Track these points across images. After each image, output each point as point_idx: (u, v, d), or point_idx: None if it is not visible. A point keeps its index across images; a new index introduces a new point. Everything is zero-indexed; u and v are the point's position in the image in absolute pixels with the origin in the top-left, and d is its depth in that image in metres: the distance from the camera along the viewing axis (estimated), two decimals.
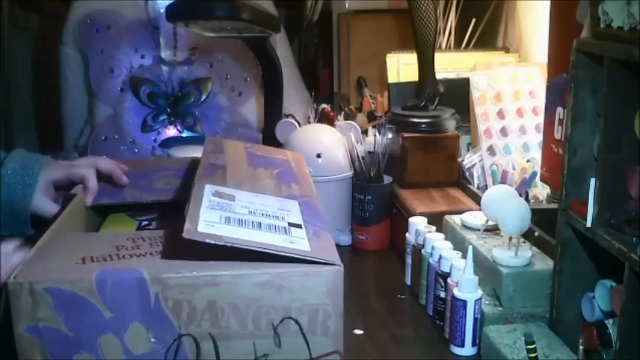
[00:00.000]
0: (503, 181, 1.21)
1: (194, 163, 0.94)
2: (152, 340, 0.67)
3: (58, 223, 0.83)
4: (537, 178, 1.16)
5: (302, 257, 0.68)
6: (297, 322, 0.69)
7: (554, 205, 0.88)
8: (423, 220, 1.09)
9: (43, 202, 0.93)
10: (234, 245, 0.67)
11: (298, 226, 0.76)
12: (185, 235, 0.65)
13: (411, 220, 1.10)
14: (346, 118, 1.54)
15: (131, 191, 0.99)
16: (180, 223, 0.67)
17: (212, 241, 0.66)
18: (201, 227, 0.68)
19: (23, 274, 0.66)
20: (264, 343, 0.69)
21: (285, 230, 0.73)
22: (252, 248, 0.67)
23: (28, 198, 0.92)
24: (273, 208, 0.79)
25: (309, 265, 0.68)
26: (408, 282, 1.11)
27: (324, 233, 0.77)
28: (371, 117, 1.59)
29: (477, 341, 0.90)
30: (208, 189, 0.79)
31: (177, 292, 0.67)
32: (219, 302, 0.67)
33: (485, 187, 1.22)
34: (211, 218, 0.71)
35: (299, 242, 0.71)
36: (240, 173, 0.90)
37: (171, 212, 0.93)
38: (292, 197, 0.85)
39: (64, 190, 0.97)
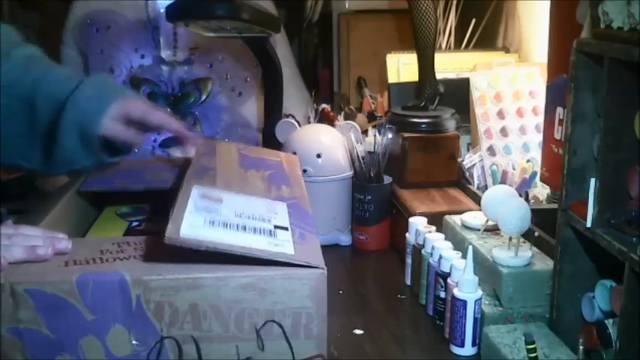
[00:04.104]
0: (503, 181, 1.22)
1: (189, 161, 0.94)
2: (134, 342, 0.67)
3: (47, 222, 0.83)
4: (537, 178, 1.16)
5: (283, 261, 0.68)
6: (280, 325, 0.68)
7: (554, 205, 0.88)
8: (423, 220, 1.09)
9: (113, 128, 0.91)
10: (216, 249, 0.67)
11: (284, 228, 0.76)
12: (166, 240, 0.65)
13: (411, 220, 1.10)
14: (346, 118, 1.54)
15: (122, 181, 1.00)
16: (166, 225, 0.67)
17: (193, 247, 0.66)
18: (184, 231, 0.68)
19: (5, 274, 0.66)
20: (247, 346, 0.69)
21: (271, 233, 0.73)
22: (233, 252, 0.67)
23: (97, 125, 0.90)
24: (260, 211, 0.79)
25: (292, 268, 0.68)
26: (408, 282, 1.11)
27: (310, 236, 0.76)
28: (371, 117, 1.59)
29: (477, 341, 0.90)
30: (196, 191, 0.79)
31: (158, 294, 0.66)
32: (201, 305, 0.67)
33: (485, 187, 1.22)
34: (195, 221, 0.71)
35: (283, 245, 0.71)
36: (231, 175, 0.90)
37: (163, 211, 0.94)
38: (281, 199, 0.85)
39: (139, 131, 0.95)
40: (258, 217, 0.76)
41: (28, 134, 0.93)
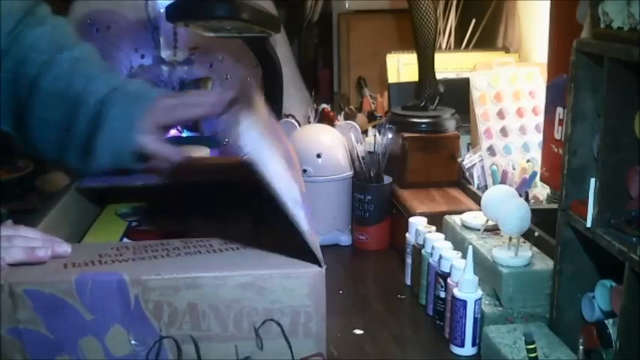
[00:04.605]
0: (503, 181, 1.21)
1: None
2: (133, 342, 0.67)
3: (47, 222, 0.83)
4: (537, 178, 1.16)
5: (282, 256, 0.69)
6: (278, 324, 0.68)
7: (554, 205, 0.88)
8: (423, 220, 1.09)
9: (150, 145, 0.91)
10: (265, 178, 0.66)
11: None
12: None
13: (411, 220, 1.10)
14: (346, 118, 1.54)
15: (121, 177, 1.00)
16: (164, 223, 0.68)
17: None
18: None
19: (4, 275, 0.66)
20: (246, 345, 0.68)
21: None
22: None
23: (130, 146, 0.91)
24: None
25: (290, 267, 0.68)
26: (408, 282, 1.11)
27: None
28: (371, 117, 1.59)
29: (477, 341, 0.90)
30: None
31: (157, 294, 0.66)
32: (200, 304, 0.67)
33: (485, 187, 1.22)
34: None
35: None
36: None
37: (162, 210, 0.94)
38: None
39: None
40: None
41: (68, 141, 0.93)
